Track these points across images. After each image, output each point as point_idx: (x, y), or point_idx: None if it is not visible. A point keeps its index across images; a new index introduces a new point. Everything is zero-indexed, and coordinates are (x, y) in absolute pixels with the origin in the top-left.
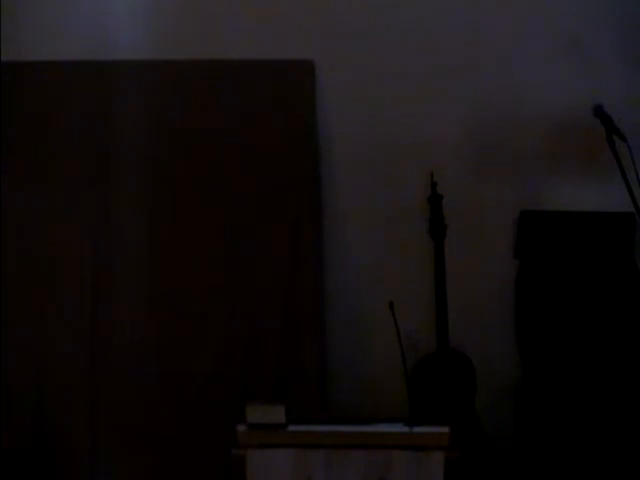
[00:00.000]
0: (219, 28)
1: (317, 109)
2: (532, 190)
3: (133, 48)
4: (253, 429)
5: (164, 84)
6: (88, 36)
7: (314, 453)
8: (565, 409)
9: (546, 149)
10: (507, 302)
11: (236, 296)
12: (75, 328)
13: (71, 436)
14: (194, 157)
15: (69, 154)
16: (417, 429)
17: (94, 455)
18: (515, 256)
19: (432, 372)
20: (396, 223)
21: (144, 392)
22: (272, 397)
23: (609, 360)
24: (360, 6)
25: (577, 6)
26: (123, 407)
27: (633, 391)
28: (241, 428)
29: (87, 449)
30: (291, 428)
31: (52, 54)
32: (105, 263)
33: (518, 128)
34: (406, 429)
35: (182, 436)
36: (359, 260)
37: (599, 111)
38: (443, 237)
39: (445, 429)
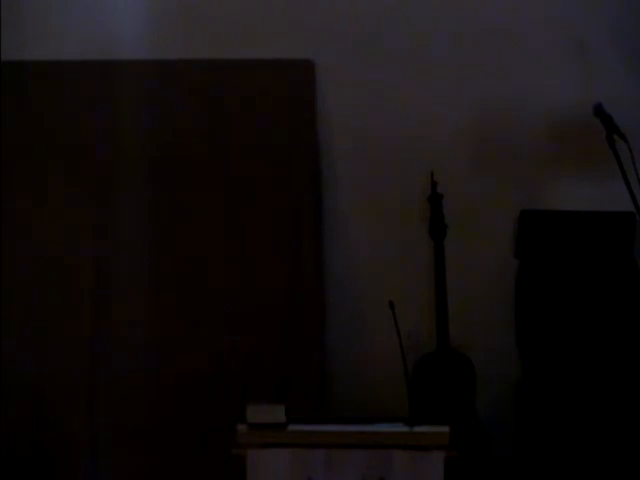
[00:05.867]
0: (219, 28)
1: (317, 109)
2: (532, 190)
3: (133, 48)
4: (253, 429)
5: (164, 84)
6: (88, 36)
7: (314, 453)
8: (565, 409)
9: (546, 149)
10: (507, 302)
11: (236, 296)
12: (75, 328)
13: (71, 436)
14: (194, 157)
15: (69, 154)
16: (417, 429)
17: (94, 455)
18: (515, 256)
19: (432, 372)
20: (396, 223)
21: (144, 392)
22: (272, 397)
23: (609, 360)
24: (360, 6)
25: (577, 6)
26: (123, 407)
27: (633, 391)
28: (241, 428)
29: (87, 449)
30: (291, 428)
31: (52, 54)
32: (105, 263)
33: (518, 128)
34: (406, 429)
35: (182, 436)
36: (359, 260)
37: (599, 110)
38: (443, 237)
39: (445, 429)
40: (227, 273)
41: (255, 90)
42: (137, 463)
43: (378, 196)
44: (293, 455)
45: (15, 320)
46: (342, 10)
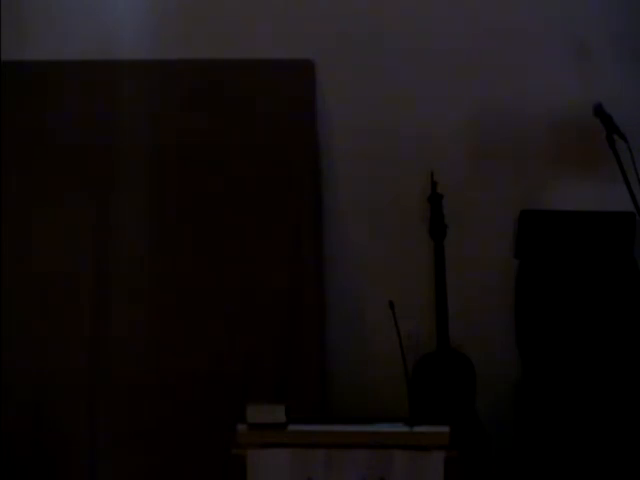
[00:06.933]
0: (219, 28)
1: (317, 109)
2: (532, 190)
3: (133, 48)
4: (253, 429)
5: (164, 84)
6: (89, 36)
7: (314, 453)
8: (565, 409)
9: (546, 149)
10: (507, 302)
11: (236, 296)
12: (75, 328)
13: (71, 436)
14: (194, 157)
15: (69, 154)
16: (417, 429)
17: (94, 455)
18: (515, 256)
19: (432, 372)
20: (396, 223)
21: (144, 392)
22: (272, 397)
23: (609, 360)
24: (360, 6)
25: (577, 6)
26: (123, 407)
27: (633, 391)
28: (241, 428)
29: (87, 449)
30: (291, 428)
31: (52, 54)
32: (105, 263)
33: (518, 128)
34: (406, 429)
35: (182, 436)
36: (359, 260)
37: (599, 110)
38: (443, 237)
39: (445, 429)
40: (227, 273)
41: (255, 90)
42: (137, 463)
43: (378, 196)
44: (293, 455)
45: (15, 320)
46: (342, 10)
